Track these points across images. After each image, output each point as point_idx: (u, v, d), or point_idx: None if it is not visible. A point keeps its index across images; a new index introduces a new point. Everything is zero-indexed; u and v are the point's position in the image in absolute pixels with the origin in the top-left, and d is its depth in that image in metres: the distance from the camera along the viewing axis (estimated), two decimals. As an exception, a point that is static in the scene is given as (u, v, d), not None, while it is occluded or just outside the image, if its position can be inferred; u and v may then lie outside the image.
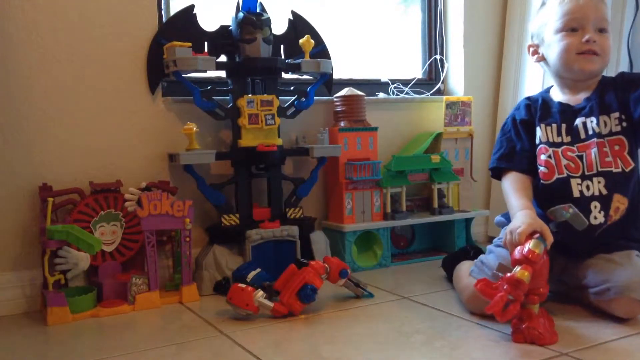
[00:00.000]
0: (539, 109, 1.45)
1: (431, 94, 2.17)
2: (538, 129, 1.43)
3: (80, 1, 1.57)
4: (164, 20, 1.73)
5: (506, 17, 2.24)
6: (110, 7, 1.60)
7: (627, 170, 1.36)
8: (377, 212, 1.87)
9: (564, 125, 1.40)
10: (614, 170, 1.35)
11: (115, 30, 1.61)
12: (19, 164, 1.52)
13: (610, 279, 1.26)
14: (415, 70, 2.25)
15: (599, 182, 1.36)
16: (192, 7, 1.68)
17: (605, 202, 1.35)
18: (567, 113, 1.41)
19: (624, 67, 2.03)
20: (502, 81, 2.24)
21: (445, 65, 2.22)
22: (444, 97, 2.07)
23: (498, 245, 1.40)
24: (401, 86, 2.13)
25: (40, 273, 1.47)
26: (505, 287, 1.13)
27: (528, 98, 1.51)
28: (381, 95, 2.08)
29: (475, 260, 1.42)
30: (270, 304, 1.37)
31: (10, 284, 1.50)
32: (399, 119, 2.07)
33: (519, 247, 1.20)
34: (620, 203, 1.36)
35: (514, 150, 1.46)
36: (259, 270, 1.47)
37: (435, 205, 1.96)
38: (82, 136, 1.59)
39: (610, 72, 2.01)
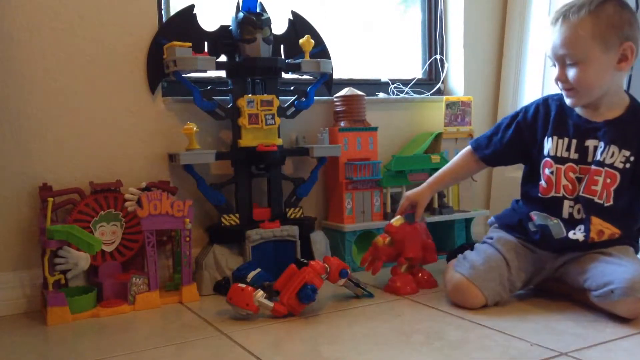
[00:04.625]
0: (552, 119, 1.42)
1: (431, 94, 2.17)
2: (550, 140, 1.41)
3: (80, 1, 1.57)
4: (164, 20, 1.73)
5: (506, 17, 2.24)
6: (110, 7, 1.60)
7: (606, 205, 1.35)
8: (377, 212, 1.87)
9: (574, 141, 1.38)
10: (596, 200, 1.35)
11: (115, 30, 1.61)
12: (19, 164, 1.52)
13: (613, 280, 1.24)
14: (415, 70, 2.25)
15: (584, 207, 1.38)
16: (192, 7, 1.68)
17: (586, 225, 1.37)
18: (582, 129, 1.38)
19: (624, 67, 2.03)
20: (502, 81, 2.24)
21: (445, 65, 2.22)
22: (444, 97, 2.07)
23: (484, 242, 1.49)
24: (401, 86, 2.13)
25: (40, 273, 1.46)
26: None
27: (546, 100, 1.47)
28: (381, 95, 2.08)
29: (459, 255, 1.49)
30: (270, 304, 1.36)
31: (10, 284, 1.50)
32: (399, 119, 2.07)
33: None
34: (604, 227, 1.36)
35: (491, 137, 1.55)
36: (259, 270, 1.47)
37: (435, 205, 1.96)
38: (82, 136, 1.59)
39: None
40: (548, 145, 1.42)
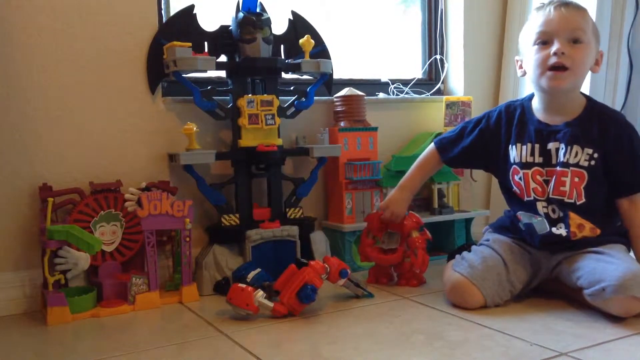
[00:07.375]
0: (514, 126, 1.46)
1: (431, 94, 2.17)
2: (514, 147, 1.45)
3: (80, 1, 1.57)
4: (164, 20, 1.73)
5: (506, 17, 2.24)
6: (110, 7, 1.60)
7: (578, 203, 1.37)
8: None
9: (537, 146, 1.42)
10: (566, 200, 1.38)
11: (115, 30, 1.61)
12: (19, 164, 1.52)
13: (604, 278, 1.25)
14: (415, 70, 2.25)
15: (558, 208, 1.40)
16: (192, 7, 1.68)
17: (565, 221, 1.39)
18: (543, 133, 1.41)
19: (624, 67, 2.03)
20: (502, 81, 2.24)
21: (445, 65, 2.22)
22: (444, 97, 2.07)
23: (480, 244, 1.51)
24: (401, 86, 2.13)
25: (40, 273, 1.46)
26: None
27: (508, 107, 1.51)
28: (381, 95, 2.08)
29: (457, 255, 1.51)
30: (270, 304, 1.37)
31: (10, 284, 1.50)
32: (399, 119, 2.07)
33: None
34: (583, 222, 1.38)
35: (455, 141, 1.57)
36: (259, 270, 1.47)
37: (435, 205, 1.96)
38: (82, 136, 1.59)
39: (610, 73, 2.02)
40: (513, 153, 1.46)
